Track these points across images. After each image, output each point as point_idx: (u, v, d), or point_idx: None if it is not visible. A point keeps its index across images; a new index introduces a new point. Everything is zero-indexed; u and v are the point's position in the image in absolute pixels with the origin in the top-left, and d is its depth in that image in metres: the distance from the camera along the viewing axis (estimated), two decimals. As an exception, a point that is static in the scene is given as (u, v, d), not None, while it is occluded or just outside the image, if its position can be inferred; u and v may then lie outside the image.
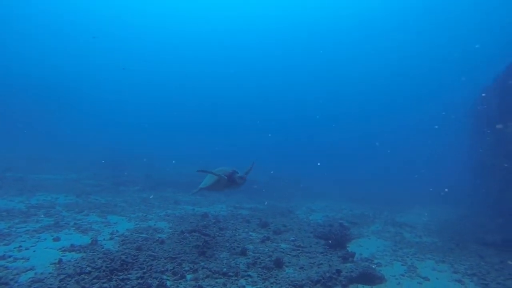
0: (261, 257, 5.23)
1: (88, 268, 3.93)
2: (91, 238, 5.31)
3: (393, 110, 51.16)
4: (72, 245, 4.92)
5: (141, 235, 5.89)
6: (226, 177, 5.20)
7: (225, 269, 4.55)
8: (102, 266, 4.00)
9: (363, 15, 45.48)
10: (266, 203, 12.02)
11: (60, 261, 4.23)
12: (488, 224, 9.84)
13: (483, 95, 13.17)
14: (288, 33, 51.01)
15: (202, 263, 4.70)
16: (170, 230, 6.51)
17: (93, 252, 4.69)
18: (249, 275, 4.48)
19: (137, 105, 55.43)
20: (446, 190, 17.03)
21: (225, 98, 58.22)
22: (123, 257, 4.39)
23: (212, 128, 51.32)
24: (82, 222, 6.50)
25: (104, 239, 5.45)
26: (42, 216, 6.63)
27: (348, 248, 6.37)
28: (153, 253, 4.84)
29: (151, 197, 10.86)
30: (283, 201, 13.12)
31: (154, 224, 6.94)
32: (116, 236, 5.68)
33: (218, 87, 58.02)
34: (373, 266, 5.42)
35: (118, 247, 5.06)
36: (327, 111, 53.98)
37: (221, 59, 55.38)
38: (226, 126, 52.92)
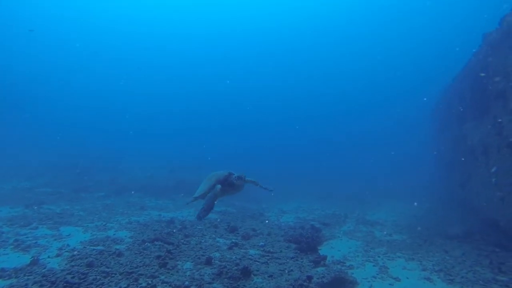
0: (227, 266, 4.90)
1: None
2: (31, 257, 4.63)
3: (367, 108, 52.53)
4: (1, 270, 4.18)
5: (96, 248, 5.31)
6: (219, 185, 4.78)
7: (187, 283, 4.17)
8: (38, 292, 3.45)
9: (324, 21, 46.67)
10: (226, 209, 11.68)
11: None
12: (451, 217, 10.21)
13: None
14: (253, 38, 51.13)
15: (162, 277, 4.28)
16: (131, 240, 5.98)
17: (28, 275, 4.04)
18: (213, 288, 4.13)
19: (110, 106, 52.72)
20: (412, 187, 17.69)
21: (197, 100, 56.94)
22: (68, 277, 3.85)
23: (185, 131, 49.95)
24: (26, 237, 5.77)
25: (49, 257, 4.82)
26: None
27: (319, 251, 6.20)
28: (106, 269, 4.33)
29: (108, 202, 10.13)
30: (254, 202, 12.85)
31: (114, 234, 6.36)
32: (66, 252, 5.07)
33: (190, 89, 56.72)
34: (345, 270, 5.28)
35: (65, 265, 4.48)
36: (298, 112, 54.41)
37: (190, 59, 54.06)
38: (199, 128, 51.63)
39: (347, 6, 44.38)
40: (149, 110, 52.42)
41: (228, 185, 4.83)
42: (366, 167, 30.39)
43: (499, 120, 7.14)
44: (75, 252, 5.01)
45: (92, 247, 5.36)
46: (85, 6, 45.40)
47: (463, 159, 10.36)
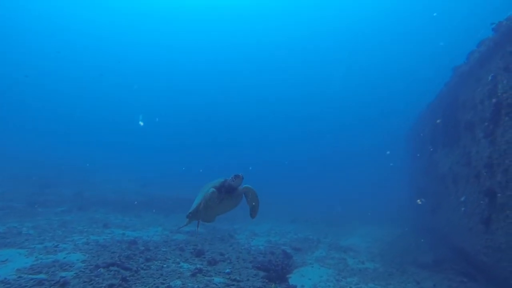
0: (187, 298, 4.47)
1: None
2: None
3: (346, 130, 53.54)
4: None
5: (35, 277, 4.64)
6: (214, 189, 4.17)
7: (137, 319, 3.71)
8: None
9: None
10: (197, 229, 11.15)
11: None
12: (422, 243, 10.23)
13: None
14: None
15: (110, 311, 3.79)
16: (82, 265, 5.39)
17: None
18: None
19: (84, 115, 50.66)
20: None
21: (177, 115, 56.00)
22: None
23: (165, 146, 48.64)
24: None
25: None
26: None
27: (289, 280, 5.88)
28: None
29: (68, 219, 9.32)
30: (226, 222, 12.34)
31: (64, 258, 5.72)
32: (-9, 284, 4.39)
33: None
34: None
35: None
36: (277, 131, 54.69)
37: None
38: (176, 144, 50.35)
39: (336, 30, 45.97)
40: (127, 121, 51.06)
41: (226, 191, 4.20)
42: (342, 187, 30.67)
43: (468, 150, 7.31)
44: (3, 286, 4.25)
45: (30, 276, 4.65)
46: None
47: (433, 186, 10.56)
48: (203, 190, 4.44)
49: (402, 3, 39.30)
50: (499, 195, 5.83)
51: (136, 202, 14.47)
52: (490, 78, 6.30)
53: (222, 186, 4.17)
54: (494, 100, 6.08)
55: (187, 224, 4.90)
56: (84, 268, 5.20)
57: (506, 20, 5.93)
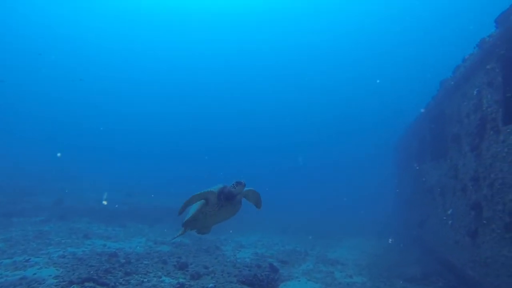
0: (165, 317, 4.22)
1: None
2: None
3: (335, 141, 53.80)
4: None
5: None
6: (216, 191, 3.90)
7: None
8: None
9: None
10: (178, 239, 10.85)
11: None
12: (410, 257, 10.17)
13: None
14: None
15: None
16: (54, 281, 5.06)
17: None
18: None
19: (66, 119, 49.51)
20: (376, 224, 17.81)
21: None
22: None
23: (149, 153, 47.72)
24: None
25: None
26: None
27: (274, 295, 5.68)
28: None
29: (45, 229, 8.86)
30: (213, 233, 12.03)
31: (34, 274, 5.34)
32: None
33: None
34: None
35: None
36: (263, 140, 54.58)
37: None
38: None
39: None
40: (111, 126, 50.13)
41: (225, 197, 3.91)
42: (331, 198, 30.66)
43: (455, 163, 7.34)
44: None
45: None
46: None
47: (421, 198, 10.59)
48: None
49: (389, 16, 40.39)
50: (485, 208, 5.83)
51: (120, 211, 14.06)
52: (475, 92, 6.38)
53: (221, 193, 3.91)
54: (479, 115, 6.14)
55: (183, 233, 4.60)
56: (56, 285, 4.88)
57: (488, 37, 6.04)
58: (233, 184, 3.90)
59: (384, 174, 25.19)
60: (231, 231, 12.51)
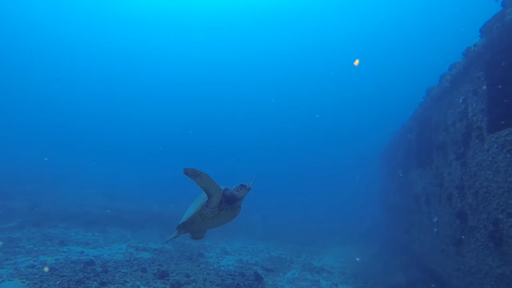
0: (139, 332, 3.96)
1: None
2: None
3: (322, 147, 54.00)
4: None
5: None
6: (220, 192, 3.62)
7: None
8: None
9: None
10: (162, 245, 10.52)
11: None
12: (396, 264, 10.13)
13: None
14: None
15: None
16: (19, 294, 4.72)
17: None
18: None
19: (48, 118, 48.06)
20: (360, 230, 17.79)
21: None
22: None
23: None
24: None
25: None
26: None
27: (257, 306, 5.46)
28: None
29: (16, 236, 8.36)
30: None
31: (-6, 287, 4.98)
32: None
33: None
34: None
35: None
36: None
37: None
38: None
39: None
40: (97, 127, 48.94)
41: (226, 201, 3.69)
42: (318, 204, 30.62)
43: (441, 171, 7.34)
44: None
45: None
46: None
47: (407, 205, 10.60)
48: (198, 200, 3.95)
49: (376, 22, 41.09)
50: (470, 217, 5.81)
51: (102, 216, 13.58)
52: (461, 101, 6.40)
53: (223, 195, 3.69)
54: (464, 123, 6.15)
55: (176, 236, 4.33)
56: (20, 298, 4.53)
57: (474, 46, 6.09)
58: (236, 187, 3.70)
59: (372, 181, 25.37)
60: (216, 237, 12.24)
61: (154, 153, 48.33)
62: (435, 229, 7.62)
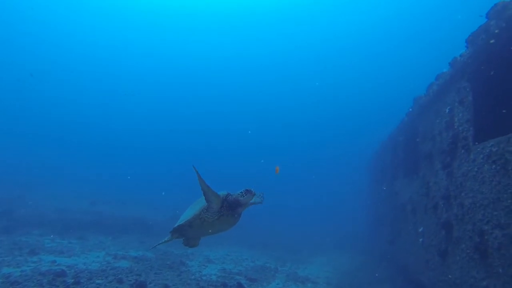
0: None
1: None
2: None
3: (310, 154, 53.94)
4: None
5: None
6: (221, 198, 3.48)
7: None
8: None
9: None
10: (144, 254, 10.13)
11: None
12: (381, 274, 10.02)
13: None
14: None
15: None
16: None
17: None
18: None
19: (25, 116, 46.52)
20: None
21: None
22: None
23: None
24: None
25: None
26: None
27: (238, 319, 5.21)
28: None
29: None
30: (179, 246, 11.34)
31: None
32: None
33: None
34: None
35: None
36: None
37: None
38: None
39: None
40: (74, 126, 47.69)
41: (228, 206, 3.50)
42: (304, 212, 30.49)
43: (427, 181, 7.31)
44: None
45: None
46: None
47: (393, 214, 10.57)
48: (199, 202, 3.73)
49: (364, 29, 41.80)
50: (455, 228, 5.75)
51: (81, 221, 13.02)
52: (447, 110, 6.41)
53: (225, 200, 3.51)
54: (451, 133, 6.14)
55: (169, 240, 4.07)
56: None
57: (460, 56, 6.12)
58: (241, 192, 3.52)
59: (359, 190, 25.46)
60: (200, 243, 11.88)
61: (154, 154, 47.67)
62: (420, 239, 7.56)
